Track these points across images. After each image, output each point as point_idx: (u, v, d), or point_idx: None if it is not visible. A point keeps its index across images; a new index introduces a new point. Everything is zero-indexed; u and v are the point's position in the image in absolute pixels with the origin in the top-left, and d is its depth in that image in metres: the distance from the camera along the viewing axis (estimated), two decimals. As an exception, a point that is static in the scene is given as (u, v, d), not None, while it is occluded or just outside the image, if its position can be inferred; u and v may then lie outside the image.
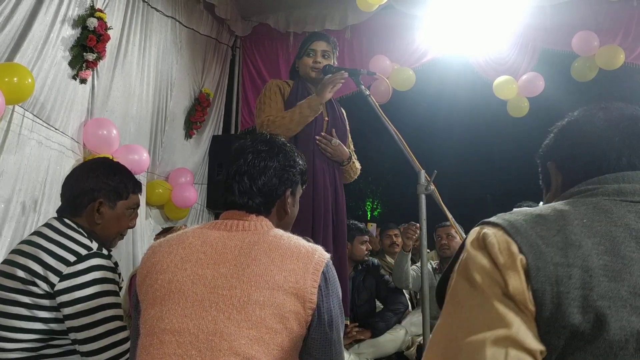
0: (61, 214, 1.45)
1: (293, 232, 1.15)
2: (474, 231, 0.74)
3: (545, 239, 0.67)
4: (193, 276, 1.01)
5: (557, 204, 0.75)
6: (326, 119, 2.28)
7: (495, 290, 0.66)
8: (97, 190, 1.44)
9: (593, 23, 3.71)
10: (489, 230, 0.71)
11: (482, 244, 0.70)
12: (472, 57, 4.09)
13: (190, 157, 4.03)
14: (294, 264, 1.02)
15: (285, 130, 2.09)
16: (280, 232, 1.10)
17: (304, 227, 2.02)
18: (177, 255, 1.05)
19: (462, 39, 3.93)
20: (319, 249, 1.08)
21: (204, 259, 1.03)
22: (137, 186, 1.55)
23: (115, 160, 1.61)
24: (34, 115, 2.35)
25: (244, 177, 1.15)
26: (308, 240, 1.12)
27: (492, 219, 0.73)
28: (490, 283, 0.66)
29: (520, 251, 0.66)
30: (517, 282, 0.65)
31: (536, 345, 0.63)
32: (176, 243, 1.08)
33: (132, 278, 2.38)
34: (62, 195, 1.47)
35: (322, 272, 1.04)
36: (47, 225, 1.40)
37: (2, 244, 2.14)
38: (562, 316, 0.62)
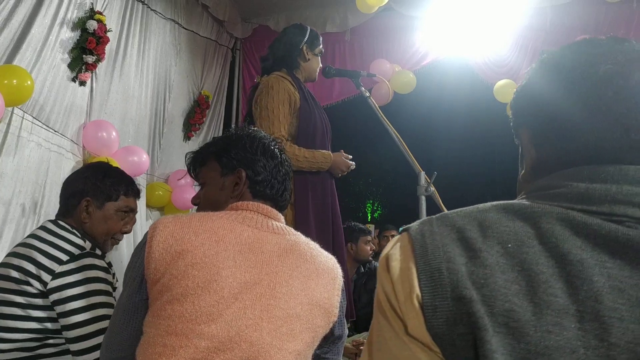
0: (57, 216, 1.49)
1: None
2: (390, 244, 0.60)
3: (453, 263, 0.51)
4: (233, 278, 0.93)
5: (497, 209, 0.56)
6: (328, 126, 2.29)
7: (399, 324, 0.54)
8: (86, 191, 1.47)
9: (593, 24, 3.70)
10: (395, 252, 0.57)
11: (386, 266, 0.57)
12: (472, 59, 4.09)
13: (189, 158, 4.02)
14: (325, 278, 1.05)
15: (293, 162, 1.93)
16: (302, 237, 1.11)
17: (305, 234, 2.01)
18: (211, 248, 0.94)
19: (462, 40, 3.93)
20: (336, 260, 1.12)
21: (243, 261, 0.96)
22: (130, 189, 1.54)
23: (113, 163, 1.63)
24: (34, 117, 2.35)
25: (285, 177, 1.18)
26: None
27: (415, 225, 0.58)
28: (394, 316, 0.55)
29: (419, 283, 0.52)
30: (415, 323, 0.52)
31: None
32: (204, 231, 0.97)
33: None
34: (59, 198, 1.52)
35: (342, 286, 1.09)
36: (42, 227, 1.42)
37: (2, 246, 2.13)
38: None
